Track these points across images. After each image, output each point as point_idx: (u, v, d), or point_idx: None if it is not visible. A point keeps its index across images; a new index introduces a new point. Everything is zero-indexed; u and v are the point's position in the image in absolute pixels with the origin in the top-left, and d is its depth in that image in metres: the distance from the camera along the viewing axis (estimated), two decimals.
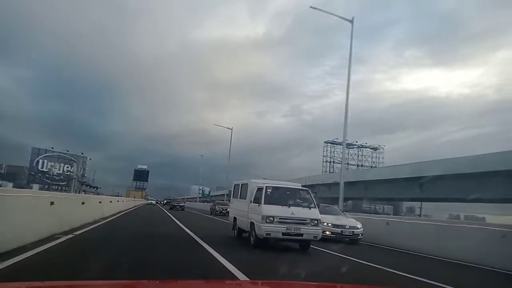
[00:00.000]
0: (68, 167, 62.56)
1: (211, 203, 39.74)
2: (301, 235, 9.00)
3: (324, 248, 10.13)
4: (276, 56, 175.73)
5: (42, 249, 6.30)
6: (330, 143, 63.64)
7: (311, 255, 9.20)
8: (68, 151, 64.62)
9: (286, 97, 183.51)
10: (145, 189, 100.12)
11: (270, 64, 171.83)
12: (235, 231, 11.54)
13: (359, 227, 12.75)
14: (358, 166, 62.14)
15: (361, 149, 64.74)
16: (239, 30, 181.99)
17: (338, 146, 60.25)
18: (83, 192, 60.90)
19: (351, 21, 21.07)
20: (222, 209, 30.30)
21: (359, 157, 64.08)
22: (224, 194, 64.68)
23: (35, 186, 54.55)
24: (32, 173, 63.75)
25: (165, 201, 66.83)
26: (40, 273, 4.76)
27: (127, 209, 28.24)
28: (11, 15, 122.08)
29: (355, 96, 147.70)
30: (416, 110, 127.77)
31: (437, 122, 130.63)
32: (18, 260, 5.19)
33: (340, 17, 21.52)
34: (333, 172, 58.51)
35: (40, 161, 61.28)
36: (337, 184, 28.93)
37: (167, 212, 30.09)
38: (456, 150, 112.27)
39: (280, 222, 8.89)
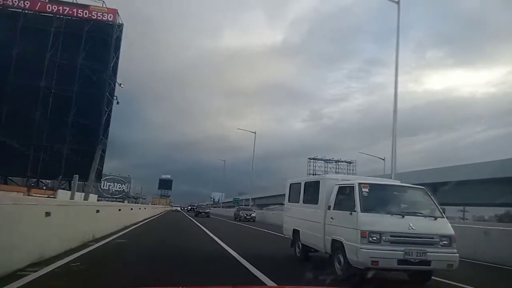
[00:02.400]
0: (120, 186, 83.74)
1: (235, 209, 38.64)
2: (428, 263, 5.57)
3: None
4: (295, 62, 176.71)
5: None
6: (313, 159, 73.73)
7: None
8: (120, 174, 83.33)
9: (306, 102, 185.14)
10: (169, 196, 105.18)
11: (288, 70, 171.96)
12: (297, 249, 8.44)
13: (253, 214, 11.42)
14: None
15: (338, 163, 74.29)
16: (257, 38, 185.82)
17: (319, 161, 73.33)
18: (132, 202, 71.77)
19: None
20: (246, 214, 30.25)
21: (336, 170, 72.08)
22: (236, 200, 73.13)
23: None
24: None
25: (189, 208, 67.68)
26: None
27: (156, 215, 31.84)
28: None
29: (376, 99, 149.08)
30: (439, 111, 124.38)
31: (461, 123, 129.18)
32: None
33: (248, 130, 24.51)
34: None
35: (103, 182, 77.36)
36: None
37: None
38: (481, 151, 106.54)
39: (393, 242, 5.51)
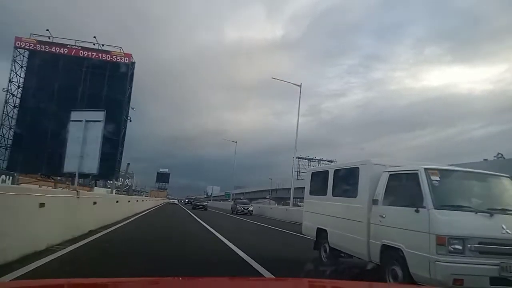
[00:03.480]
0: (125, 180, 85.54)
1: (232, 202, 38.70)
2: None
3: None
4: (294, 57, 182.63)
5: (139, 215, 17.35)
6: (298, 158, 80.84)
7: None
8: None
9: (305, 97, 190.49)
10: (166, 189, 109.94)
11: (288, 65, 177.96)
12: (324, 252, 6.72)
13: (250, 208, 10.46)
14: None
15: (320, 162, 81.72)
16: (257, 33, 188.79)
17: (303, 160, 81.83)
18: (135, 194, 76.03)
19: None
20: (244, 208, 30.37)
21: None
22: (227, 195, 77.78)
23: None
24: None
25: (186, 200, 68.97)
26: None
27: (154, 207, 32.48)
28: None
29: (374, 95, 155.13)
30: (437, 107, 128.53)
31: (458, 120, 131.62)
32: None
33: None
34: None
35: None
36: None
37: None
38: (478, 147, 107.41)
39: (482, 253, 3.90)
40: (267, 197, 76.46)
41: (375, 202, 5.12)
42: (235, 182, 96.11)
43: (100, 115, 10.89)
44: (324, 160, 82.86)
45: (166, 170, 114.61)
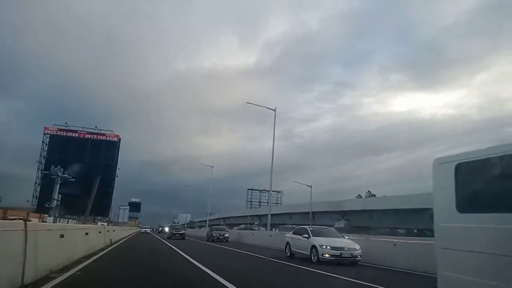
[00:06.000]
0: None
1: (208, 229, 36.99)
2: None
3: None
4: (267, 83, 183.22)
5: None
6: (250, 189, 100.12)
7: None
8: None
9: (278, 122, 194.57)
10: (137, 218, 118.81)
11: (261, 90, 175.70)
12: None
13: (357, 248, 11.96)
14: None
15: (268, 192, 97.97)
16: (231, 60, 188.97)
17: (255, 191, 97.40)
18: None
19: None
20: (220, 235, 28.94)
21: (268, 199, 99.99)
22: (191, 222, 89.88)
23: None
24: None
25: (160, 229, 70.66)
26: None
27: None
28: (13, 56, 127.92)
29: (344, 119, 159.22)
30: (403, 131, 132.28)
31: (423, 143, 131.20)
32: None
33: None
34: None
35: None
36: (378, 211, 40.42)
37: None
38: None
39: None
40: (256, 223, 76.88)
41: None
42: (209, 208, 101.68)
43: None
44: (273, 191, 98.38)
45: (138, 199, 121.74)
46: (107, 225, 39.96)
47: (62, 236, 7.84)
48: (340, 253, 11.72)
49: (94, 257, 10.53)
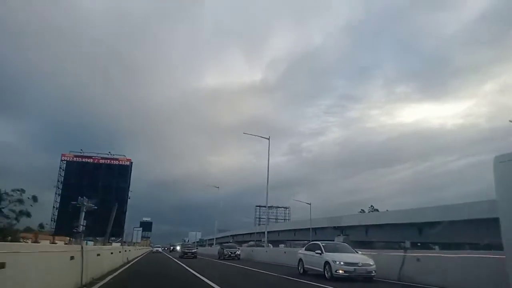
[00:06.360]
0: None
1: (219, 247, 36.51)
2: None
3: None
4: (273, 99, 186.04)
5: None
6: (258, 206, 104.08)
7: None
8: None
9: (285, 137, 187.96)
10: (149, 237, 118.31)
11: (267, 106, 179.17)
12: None
13: (371, 263, 11.57)
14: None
15: (276, 208, 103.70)
16: (237, 77, 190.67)
17: (263, 207, 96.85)
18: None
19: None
20: (231, 252, 29.12)
21: (276, 215, 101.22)
22: (201, 240, 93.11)
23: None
24: None
25: (171, 248, 71.43)
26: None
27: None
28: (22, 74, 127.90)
29: (352, 132, 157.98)
30: (413, 142, 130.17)
31: (434, 153, 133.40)
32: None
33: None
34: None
35: None
36: (373, 226, 40.87)
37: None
38: (454, 179, 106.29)
39: None
40: (262, 240, 73.72)
41: None
42: (219, 225, 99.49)
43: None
44: (280, 207, 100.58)
45: (149, 219, 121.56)
46: (120, 245, 43.05)
47: (98, 255, 11.18)
48: (354, 268, 11.36)
49: (119, 271, 13.92)
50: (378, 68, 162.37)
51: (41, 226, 52.27)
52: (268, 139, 33.45)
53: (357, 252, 13.04)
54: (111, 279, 11.06)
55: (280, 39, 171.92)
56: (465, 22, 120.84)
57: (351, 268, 11.37)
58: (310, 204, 56.04)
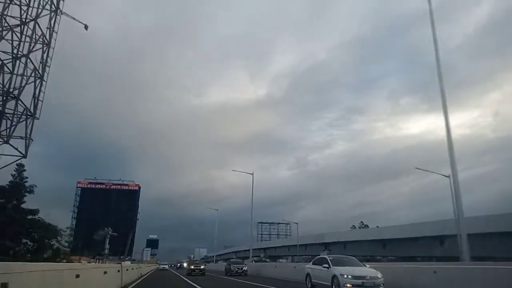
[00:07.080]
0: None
1: (226, 263, 36.79)
2: None
3: None
4: (278, 113, 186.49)
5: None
6: (260, 223, 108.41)
7: None
8: None
9: (291, 151, 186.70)
10: (155, 254, 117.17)
11: (272, 121, 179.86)
12: None
13: (379, 276, 11.53)
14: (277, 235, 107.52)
15: (277, 224, 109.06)
16: (242, 93, 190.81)
17: (265, 224, 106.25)
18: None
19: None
20: (238, 268, 29.19)
21: (278, 231, 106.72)
22: (206, 258, 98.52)
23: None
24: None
25: (178, 265, 70.54)
26: None
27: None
28: None
29: (357, 145, 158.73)
30: (418, 154, 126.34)
31: (440, 165, 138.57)
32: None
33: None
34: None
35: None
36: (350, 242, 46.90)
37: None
38: (463, 190, 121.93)
39: None
40: (262, 255, 78.65)
41: None
42: (224, 241, 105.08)
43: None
44: (281, 223, 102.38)
45: (155, 236, 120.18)
46: (130, 263, 46.61)
47: (127, 269, 18.98)
48: (362, 282, 11.26)
49: (138, 281, 20.97)
50: (383, 79, 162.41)
51: (72, 250, 54.00)
52: (252, 174, 39.26)
53: (364, 266, 13.04)
54: (136, 284, 18.66)
55: (284, 53, 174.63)
56: (470, 33, 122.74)
57: (359, 281, 11.29)
58: (297, 223, 63.28)
